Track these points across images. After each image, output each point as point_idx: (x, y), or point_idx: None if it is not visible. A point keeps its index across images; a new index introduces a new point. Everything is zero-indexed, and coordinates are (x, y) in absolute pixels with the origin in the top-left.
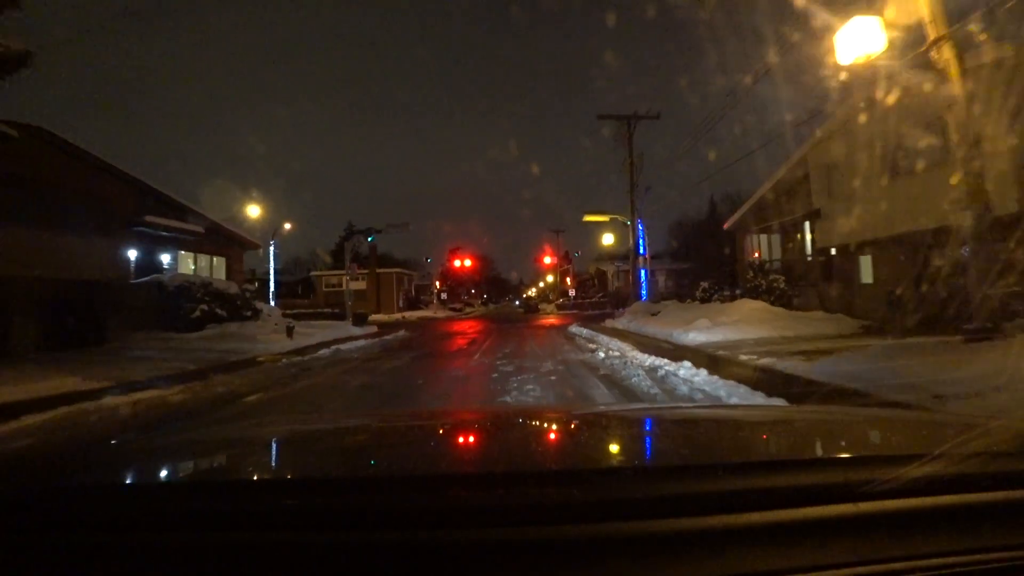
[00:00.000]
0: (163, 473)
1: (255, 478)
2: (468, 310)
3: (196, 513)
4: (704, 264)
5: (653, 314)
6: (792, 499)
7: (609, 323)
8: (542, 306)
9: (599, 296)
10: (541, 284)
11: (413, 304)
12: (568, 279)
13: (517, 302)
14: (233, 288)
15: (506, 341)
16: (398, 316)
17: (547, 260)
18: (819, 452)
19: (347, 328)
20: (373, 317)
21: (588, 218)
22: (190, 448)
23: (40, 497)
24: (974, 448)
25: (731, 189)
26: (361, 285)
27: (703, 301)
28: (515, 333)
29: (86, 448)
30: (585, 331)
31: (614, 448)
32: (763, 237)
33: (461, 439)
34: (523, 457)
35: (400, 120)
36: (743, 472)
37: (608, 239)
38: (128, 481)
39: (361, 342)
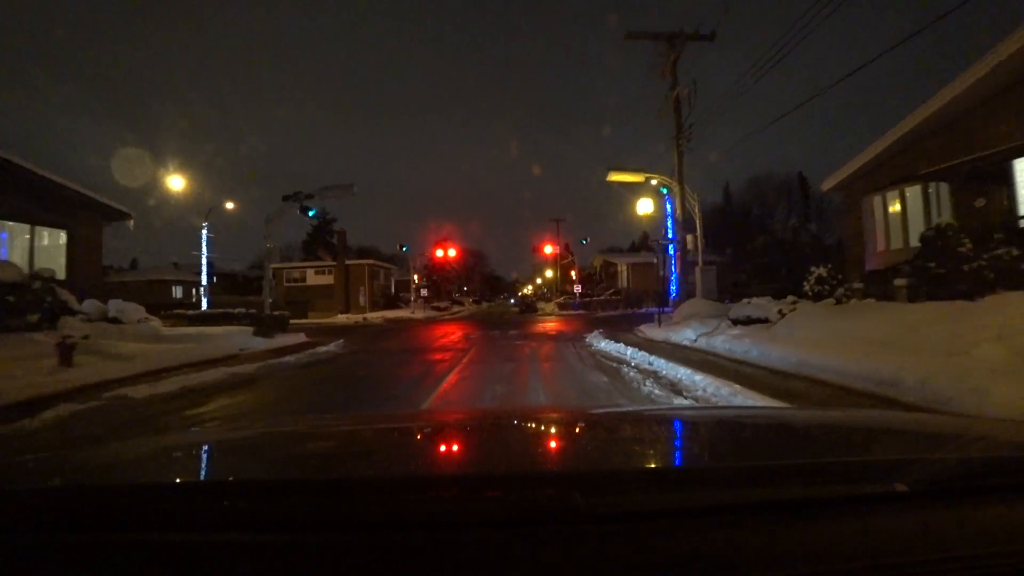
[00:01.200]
0: (157, 474)
1: (252, 479)
2: (456, 310)
3: (186, 513)
4: (737, 257)
5: (741, 321)
6: (795, 502)
7: (657, 334)
8: (540, 305)
9: (609, 294)
10: (538, 280)
11: (391, 303)
12: (573, 273)
13: (512, 300)
14: (7, 273)
15: (490, 372)
16: (359, 318)
17: (548, 249)
18: (821, 455)
19: (242, 339)
20: (335, 319)
21: (615, 177)
22: (184, 449)
23: (31, 497)
24: (975, 449)
25: (760, 171)
26: (327, 280)
27: (838, 300)
28: (507, 351)
29: (79, 450)
30: (627, 350)
31: (615, 450)
32: (910, 196)
33: (463, 440)
34: (524, 458)
35: (394, 112)
36: (746, 475)
37: (645, 206)
38: (120, 482)
39: (215, 373)
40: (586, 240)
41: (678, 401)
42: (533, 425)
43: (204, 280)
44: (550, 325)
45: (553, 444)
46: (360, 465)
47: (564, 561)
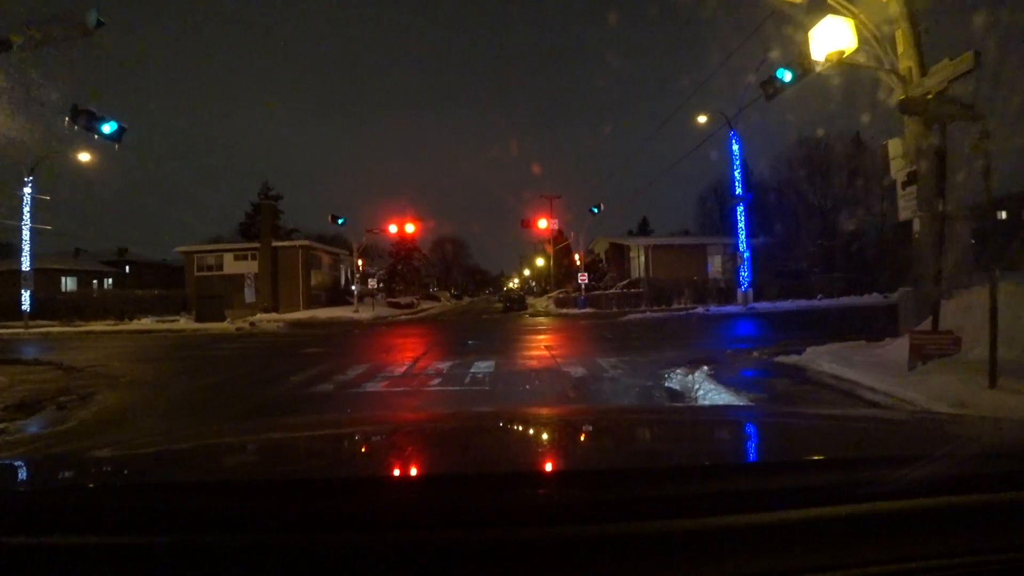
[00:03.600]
0: (146, 474)
1: (249, 479)
2: (423, 308)
3: (180, 513)
4: (790, 237)
5: None
6: (794, 500)
7: None
8: (531, 301)
9: (622, 287)
10: (526, 272)
11: (337, 297)
12: (577, 257)
13: (497, 295)
14: None
15: None
16: (245, 323)
17: (542, 224)
18: (821, 453)
19: None
20: (233, 323)
21: None
22: (175, 450)
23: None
24: (975, 448)
25: (792, 137)
26: (251, 268)
27: None
28: None
29: (67, 452)
30: None
31: (614, 449)
32: None
33: (460, 440)
34: (523, 457)
35: (382, 108)
36: (744, 473)
37: (839, 34)
38: (111, 482)
39: None
40: (599, 208)
41: None
42: (531, 425)
43: (26, 264)
44: (557, 340)
45: (550, 443)
46: (358, 464)
47: (565, 558)
